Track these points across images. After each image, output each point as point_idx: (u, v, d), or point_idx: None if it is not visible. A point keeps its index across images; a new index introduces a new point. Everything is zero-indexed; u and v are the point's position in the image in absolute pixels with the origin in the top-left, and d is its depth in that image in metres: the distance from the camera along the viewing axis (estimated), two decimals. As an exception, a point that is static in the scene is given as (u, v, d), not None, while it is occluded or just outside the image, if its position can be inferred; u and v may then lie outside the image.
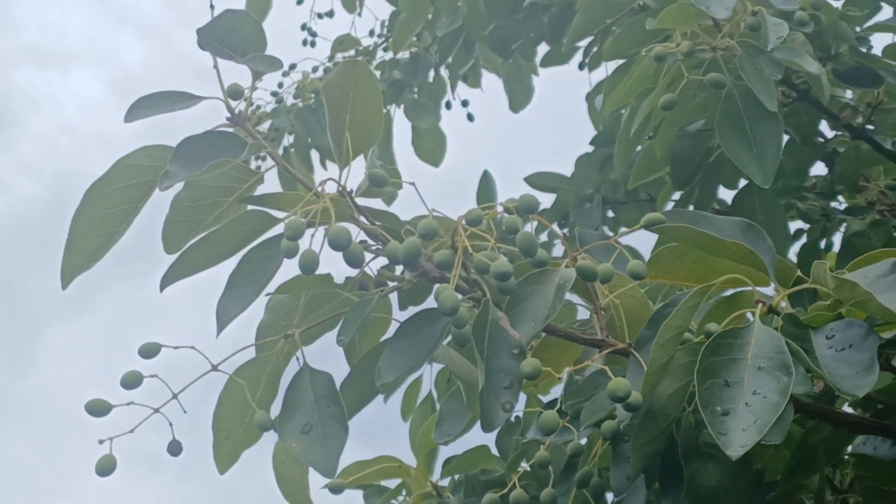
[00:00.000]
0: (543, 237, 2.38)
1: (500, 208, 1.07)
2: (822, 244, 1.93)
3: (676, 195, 1.75)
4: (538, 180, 2.28)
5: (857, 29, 1.73)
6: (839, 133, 1.86)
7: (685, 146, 1.54)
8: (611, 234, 2.35)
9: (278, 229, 1.09)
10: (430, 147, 2.74)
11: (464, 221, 1.02)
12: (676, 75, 1.39)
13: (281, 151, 2.79)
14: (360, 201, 1.13)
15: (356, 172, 1.14)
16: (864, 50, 1.54)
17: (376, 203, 1.19)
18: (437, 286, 0.98)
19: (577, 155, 2.26)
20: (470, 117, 2.76)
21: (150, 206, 1.11)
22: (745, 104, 1.36)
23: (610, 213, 2.32)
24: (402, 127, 2.79)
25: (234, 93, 1.13)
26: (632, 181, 1.61)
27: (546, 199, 2.40)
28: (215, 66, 1.08)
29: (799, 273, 1.05)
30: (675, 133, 1.51)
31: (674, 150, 1.54)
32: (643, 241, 2.37)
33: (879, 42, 1.71)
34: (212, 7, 1.17)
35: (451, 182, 3.13)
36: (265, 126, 2.79)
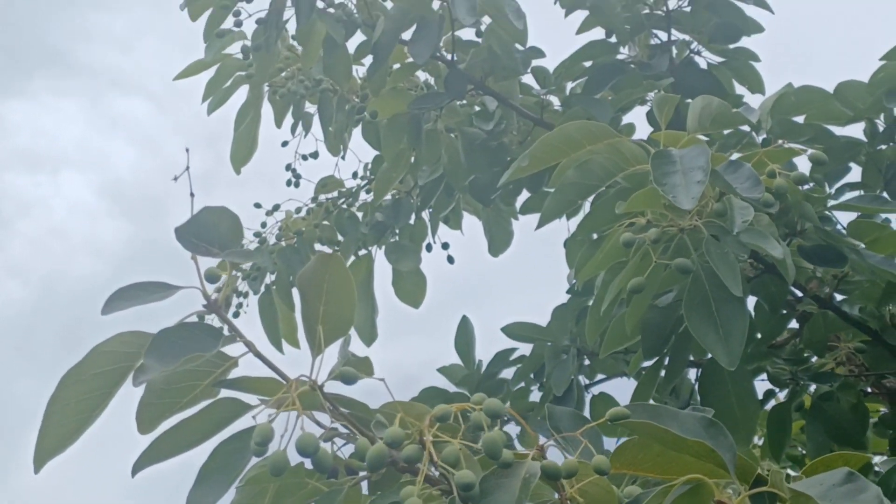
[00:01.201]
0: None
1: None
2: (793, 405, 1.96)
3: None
4: (515, 330, 2.31)
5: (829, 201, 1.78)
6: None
7: (655, 317, 1.57)
8: (586, 381, 2.39)
9: (250, 419, 1.11)
10: (411, 289, 2.77)
11: (431, 418, 1.05)
12: (646, 254, 1.43)
13: (262, 290, 2.82)
14: (332, 385, 1.15)
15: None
16: (828, 229, 1.58)
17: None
18: (402, 491, 1.00)
19: (557, 288, 2.31)
20: (450, 259, 2.79)
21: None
22: (711, 286, 1.40)
23: (586, 361, 2.35)
24: (383, 266, 2.84)
25: (211, 276, 1.17)
26: (603, 350, 1.64)
27: (523, 346, 2.43)
28: (193, 259, 1.11)
29: (759, 471, 1.08)
30: (646, 306, 1.55)
31: (644, 320, 1.57)
32: (620, 388, 2.39)
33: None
34: (191, 195, 1.22)
35: (431, 322, 3.16)
36: (247, 265, 2.82)
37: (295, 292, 2.86)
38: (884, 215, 1.71)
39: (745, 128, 2.33)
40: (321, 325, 1.12)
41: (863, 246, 1.60)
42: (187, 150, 1.18)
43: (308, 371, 1.14)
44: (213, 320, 1.29)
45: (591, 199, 1.56)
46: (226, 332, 1.13)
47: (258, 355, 1.15)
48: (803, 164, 2.29)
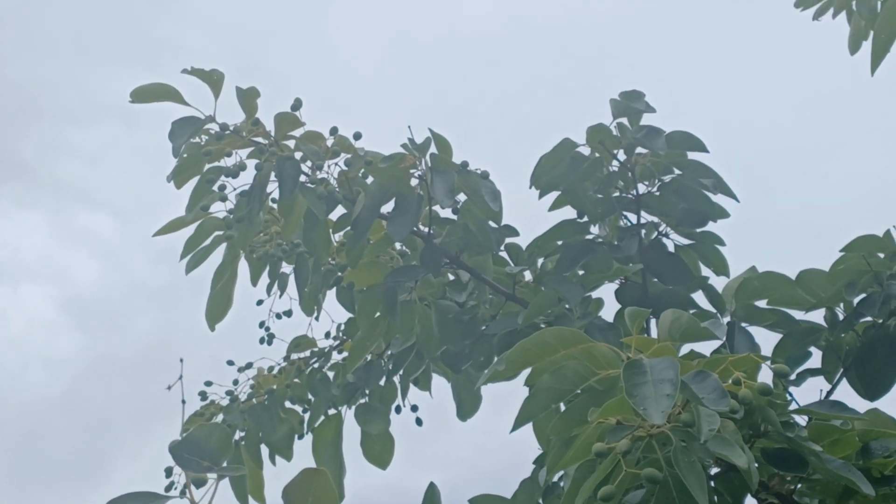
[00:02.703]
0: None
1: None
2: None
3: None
4: (482, 502, 2.33)
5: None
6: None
7: (624, 514, 1.62)
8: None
9: None
10: (378, 450, 2.80)
11: None
12: (616, 459, 1.48)
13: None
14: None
15: None
16: (790, 435, 1.64)
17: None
18: None
19: (524, 452, 2.35)
20: (418, 422, 2.83)
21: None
22: (678, 493, 1.45)
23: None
24: (352, 424, 2.87)
25: (198, 482, 1.21)
26: (572, 545, 1.67)
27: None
28: (185, 474, 1.16)
29: None
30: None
31: (613, 518, 1.61)
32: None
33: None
34: (182, 402, 1.26)
35: (399, 486, 3.18)
36: (218, 419, 2.84)
37: (264, 449, 2.89)
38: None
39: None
40: (305, 538, 1.16)
41: (821, 450, 1.66)
42: (181, 360, 1.23)
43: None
44: None
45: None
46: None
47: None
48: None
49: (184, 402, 1.22)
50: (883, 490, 1.79)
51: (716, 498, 1.86)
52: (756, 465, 1.66)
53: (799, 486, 1.80)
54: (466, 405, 2.81)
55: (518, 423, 1.57)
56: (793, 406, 1.75)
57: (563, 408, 1.62)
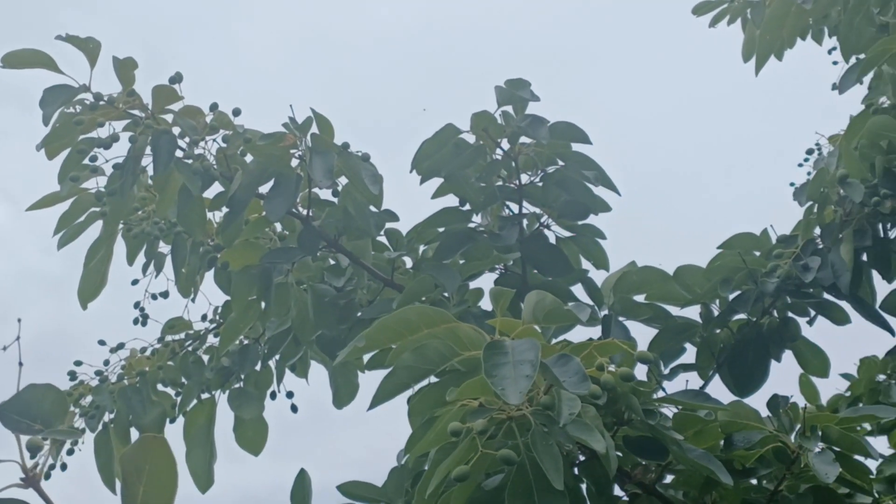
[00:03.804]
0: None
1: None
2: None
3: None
4: (351, 489, 2.29)
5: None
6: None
7: (482, 499, 1.59)
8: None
9: None
10: (251, 436, 2.75)
11: None
12: (473, 441, 1.46)
13: (100, 427, 2.77)
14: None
15: None
16: (652, 422, 1.63)
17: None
18: None
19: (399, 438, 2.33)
20: (294, 408, 2.79)
21: None
22: (535, 476, 1.43)
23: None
24: (225, 409, 2.81)
25: (33, 448, 1.16)
26: (430, 530, 1.64)
27: None
28: (17, 437, 1.10)
29: None
30: (473, 488, 1.57)
31: (470, 502, 1.58)
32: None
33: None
34: (20, 364, 1.21)
35: (268, 474, 3.13)
36: (87, 400, 2.77)
37: (133, 432, 2.82)
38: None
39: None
40: (139, 509, 1.12)
41: (683, 439, 1.66)
42: (19, 320, 1.18)
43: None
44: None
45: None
46: None
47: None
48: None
49: (21, 364, 1.16)
50: (744, 483, 1.80)
51: (583, 487, 1.85)
52: (619, 453, 1.65)
53: (665, 478, 1.79)
54: (343, 393, 2.77)
55: (375, 402, 1.53)
56: (659, 395, 1.74)
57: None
